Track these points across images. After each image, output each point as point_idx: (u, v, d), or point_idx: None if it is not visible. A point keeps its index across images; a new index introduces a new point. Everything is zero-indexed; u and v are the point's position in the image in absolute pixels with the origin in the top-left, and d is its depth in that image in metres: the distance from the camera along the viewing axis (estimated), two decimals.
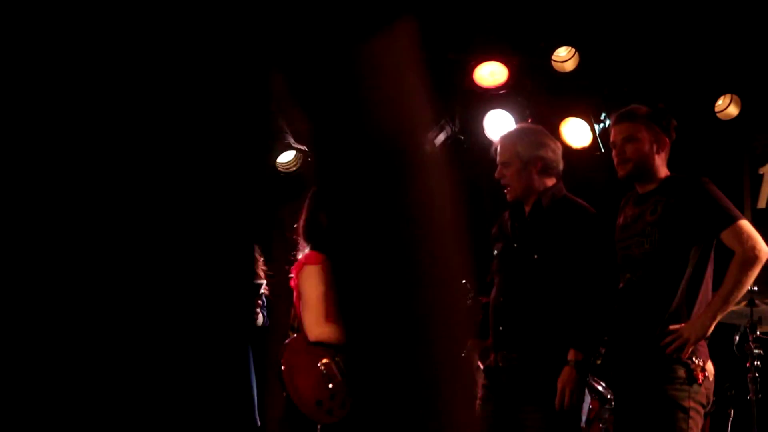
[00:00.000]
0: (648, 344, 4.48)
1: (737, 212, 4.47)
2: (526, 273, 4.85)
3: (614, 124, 4.85)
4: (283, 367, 5.19)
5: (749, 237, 4.36)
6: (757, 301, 6.03)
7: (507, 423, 4.82)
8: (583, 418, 4.97)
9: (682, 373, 4.45)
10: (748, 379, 5.80)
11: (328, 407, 5.07)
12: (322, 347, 5.13)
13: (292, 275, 5.55)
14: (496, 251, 5.10)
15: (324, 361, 5.11)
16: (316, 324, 5.20)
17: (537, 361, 4.78)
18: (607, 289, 4.75)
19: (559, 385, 4.68)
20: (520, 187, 5.01)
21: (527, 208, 5.04)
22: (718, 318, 4.46)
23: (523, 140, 5.08)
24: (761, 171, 7.91)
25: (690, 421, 4.40)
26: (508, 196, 5.08)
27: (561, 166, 5.13)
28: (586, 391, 4.97)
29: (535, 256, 4.80)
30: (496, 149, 5.13)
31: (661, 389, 4.44)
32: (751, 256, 4.34)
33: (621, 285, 4.66)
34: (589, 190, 8.06)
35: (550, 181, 5.04)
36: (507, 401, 4.82)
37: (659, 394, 4.43)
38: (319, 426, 5.64)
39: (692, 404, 4.42)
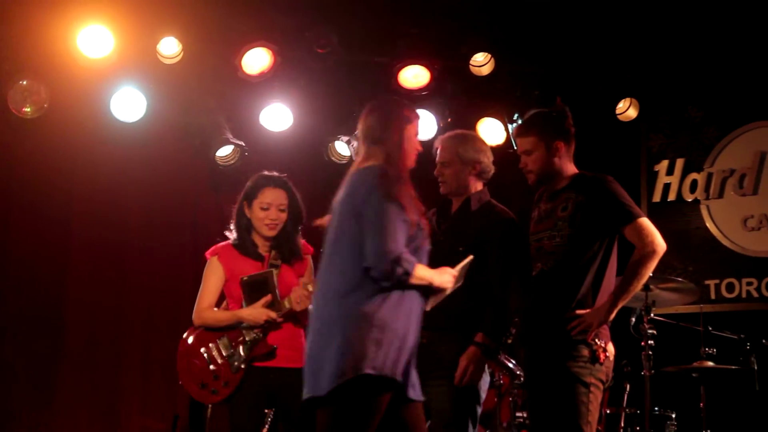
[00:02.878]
0: (556, 327, 4.60)
1: (638, 210, 4.59)
2: (448, 263, 4.85)
3: (514, 137, 5.02)
4: (177, 357, 5.28)
5: (648, 233, 4.48)
6: (651, 286, 6.23)
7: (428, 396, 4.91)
8: (483, 394, 5.12)
9: (585, 352, 4.57)
10: (643, 357, 6.03)
11: (211, 388, 5.12)
12: (208, 331, 5.18)
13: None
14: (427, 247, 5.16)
15: (209, 344, 5.15)
16: (197, 310, 5.25)
17: (445, 341, 4.99)
18: (518, 286, 4.95)
19: (463, 362, 4.94)
20: (455, 185, 5.21)
21: (455, 206, 5.24)
22: (620, 305, 4.60)
23: (461, 141, 5.26)
24: (656, 168, 8.10)
25: (590, 395, 4.53)
26: (442, 189, 5.22)
27: (491, 173, 5.34)
28: (486, 369, 5.12)
29: (461, 249, 4.89)
30: (436, 149, 5.25)
31: (565, 367, 4.55)
32: (649, 251, 4.48)
33: (534, 273, 4.78)
34: (502, 184, 8.33)
35: (480, 185, 5.27)
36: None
37: (564, 371, 4.54)
38: (209, 407, 5.85)
39: (593, 380, 4.56)
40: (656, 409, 6.47)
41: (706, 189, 7.85)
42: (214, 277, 5.26)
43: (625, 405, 6.76)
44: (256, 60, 6.87)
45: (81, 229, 7.20)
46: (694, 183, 7.91)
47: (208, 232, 7.36)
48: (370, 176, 4.15)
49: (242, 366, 5.08)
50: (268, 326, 5.10)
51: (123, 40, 6.64)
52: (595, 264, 4.70)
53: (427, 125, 7.38)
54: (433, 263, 4.83)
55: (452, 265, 4.70)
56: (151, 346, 7.29)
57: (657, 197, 8.02)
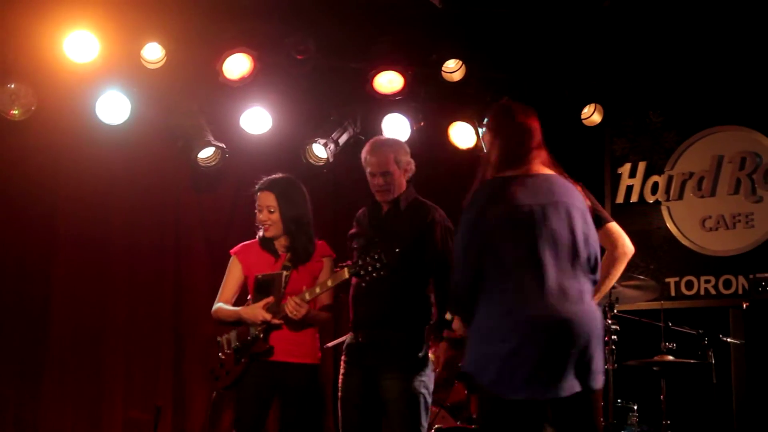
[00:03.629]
0: None
1: (607, 215, 4.58)
2: (390, 258, 5.04)
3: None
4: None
5: (619, 236, 4.46)
6: (615, 284, 5.89)
7: (371, 389, 5.20)
8: (431, 385, 5.27)
9: None
10: (607, 352, 6.12)
11: (216, 374, 5.34)
12: (222, 323, 5.38)
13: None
14: (356, 245, 5.36)
15: (224, 335, 5.35)
16: (215, 304, 5.42)
17: (395, 337, 5.18)
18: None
19: (440, 356, 5.21)
20: (396, 191, 5.36)
21: (386, 207, 5.38)
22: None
23: (396, 149, 5.40)
24: (619, 171, 8.14)
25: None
26: (381, 197, 5.33)
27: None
28: (430, 360, 5.28)
29: (397, 250, 5.02)
30: (367, 160, 5.33)
31: None
32: (620, 254, 4.48)
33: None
34: (471, 185, 8.37)
35: (406, 185, 5.42)
36: (370, 371, 5.20)
37: None
38: (214, 393, 5.97)
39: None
40: (619, 401, 6.61)
41: (667, 191, 7.89)
42: (231, 274, 5.46)
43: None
44: (237, 65, 6.89)
45: (66, 228, 7.20)
46: (656, 185, 7.95)
47: (190, 231, 7.57)
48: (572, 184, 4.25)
49: (242, 360, 5.24)
50: (269, 326, 5.23)
51: (108, 45, 6.65)
52: None
53: (400, 128, 7.52)
54: None
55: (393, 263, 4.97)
56: (133, 340, 7.31)
57: (620, 199, 8.06)
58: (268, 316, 5.19)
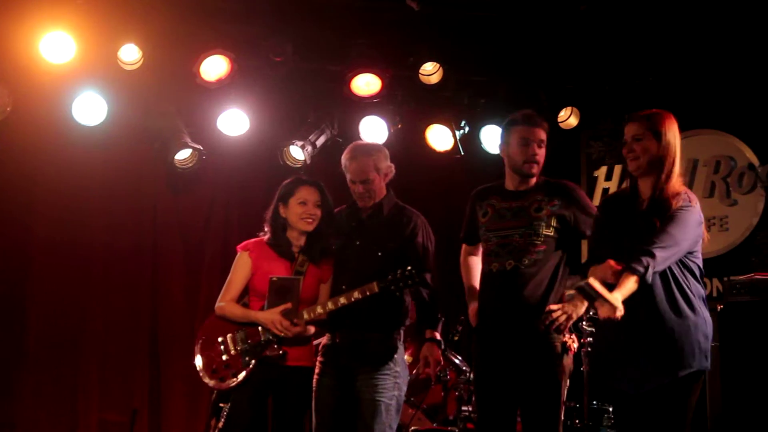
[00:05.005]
0: (534, 320, 4.77)
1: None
2: (369, 266, 5.16)
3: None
4: (196, 337, 5.35)
5: None
6: None
7: (345, 390, 5.21)
8: (404, 387, 5.32)
9: (559, 344, 4.84)
10: (582, 354, 6.10)
11: (221, 375, 5.18)
12: (228, 322, 5.24)
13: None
14: (333, 246, 5.33)
15: (228, 334, 5.22)
16: (221, 300, 5.30)
17: (373, 338, 5.21)
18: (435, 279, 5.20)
19: (427, 357, 5.26)
20: (376, 197, 5.37)
21: (367, 211, 5.37)
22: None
23: (376, 155, 5.39)
24: (596, 174, 8.15)
25: (564, 383, 4.88)
26: (363, 203, 5.34)
27: None
28: (404, 361, 5.32)
29: (379, 254, 5.13)
30: (348, 166, 5.34)
31: (549, 356, 4.82)
32: None
33: (497, 267, 4.89)
34: (450, 187, 8.19)
35: (386, 189, 5.43)
36: (345, 371, 5.21)
37: (548, 361, 4.81)
38: (214, 392, 5.90)
39: (567, 370, 4.89)
40: (594, 402, 6.50)
41: None
42: (241, 272, 5.32)
43: (564, 399, 6.82)
44: (214, 67, 6.86)
45: (42, 229, 7.18)
46: None
47: (167, 232, 7.55)
48: None
49: (252, 362, 5.16)
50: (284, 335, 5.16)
51: (85, 46, 6.61)
52: (562, 263, 4.92)
53: (378, 130, 7.52)
54: (353, 267, 5.21)
55: (369, 267, 5.06)
56: (110, 343, 7.29)
57: (596, 201, 7.73)
58: (286, 323, 5.10)
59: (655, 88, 7.67)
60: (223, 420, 6.21)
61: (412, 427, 6.41)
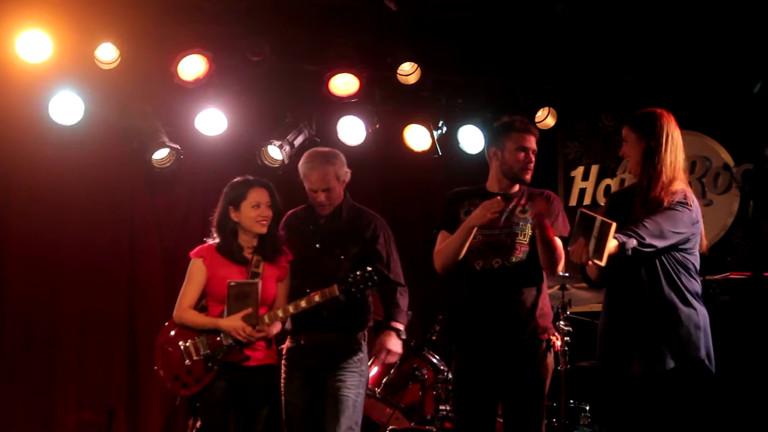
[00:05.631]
0: (523, 320, 4.86)
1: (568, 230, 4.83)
2: (332, 270, 5.26)
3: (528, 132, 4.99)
4: (156, 345, 5.34)
5: None
6: (567, 285, 6.41)
7: (312, 390, 5.32)
8: (365, 386, 5.48)
9: (544, 342, 4.94)
10: (559, 353, 6.12)
11: (183, 381, 5.17)
12: (187, 329, 5.21)
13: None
14: (284, 244, 5.35)
15: (188, 341, 5.19)
16: (179, 308, 5.27)
17: (337, 338, 5.34)
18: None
19: (385, 345, 5.39)
20: (336, 203, 5.44)
21: (325, 215, 5.44)
22: None
23: (336, 163, 5.45)
24: (572, 174, 8.20)
25: (548, 375, 4.97)
26: (324, 210, 5.41)
27: None
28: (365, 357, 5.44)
29: (342, 257, 5.25)
30: (307, 176, 5.39)
31: (536, 354, 4.89)
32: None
33: (481, 265, 4.89)
34: (428, 187, 8.19)
35: (343, 193, 5.49)
36: (311, 371, 5.33)
37: (534, 359, 4.88)
38: (177, 398, 5.86)
39: (551, 368, 4.99)
40: (571, 401, 6.56)
41: None
42: (196, 279, 5.26)
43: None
44: (192, 67, 6.80)
45: (19, 229, 7.14)
46: (608, 188, 7.97)
47: (144, 231, 7.52)
48: None
49: (215, 368, 5.14)
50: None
51: (61, 45, 6.56)
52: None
53: (356, 131, 7.50)
54: (316, 271, 5.28)
55: (332, 269, 5.18)
56: (86, 342, 7.25)
57: (573, 201, 8.06)
58: (249, 330, 5.08)
59: (631, 89, 7.69)
60: (200, 420, 6.12)
61: (390, 427, 6.39)
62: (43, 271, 7.22)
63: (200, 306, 5.30)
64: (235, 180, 5.35)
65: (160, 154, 7.11)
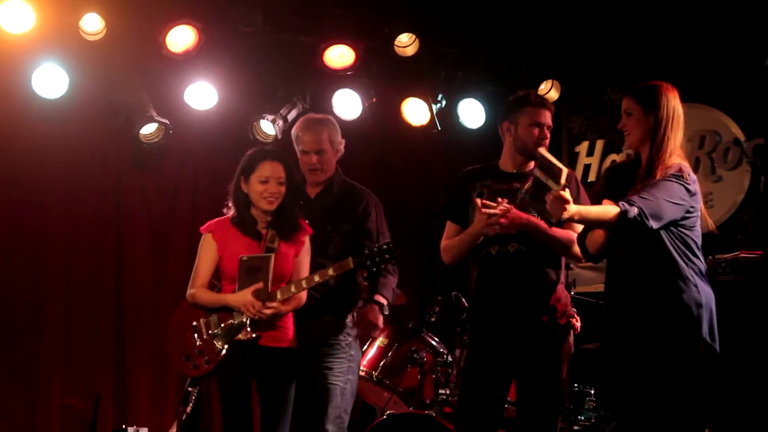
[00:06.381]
0: (541, 303, 4.84)
1: None
2: (322, 245, 5.25)
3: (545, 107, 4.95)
4: (169, 325, 5.25)
5: None
6: (572, 265, 6.18)
7: (303, 373, 5.22)
8: (357, 371, 5.53)
9: (562, 328, 4.94)
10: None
11: (194, 362, 5.06)
12: (199, 308, 5.09)
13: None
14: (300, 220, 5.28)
15: (200, 320, 5.07)
16: (190, 286, 5.14)
17: (327, 321, 5.35)
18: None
19: (365, 316, 5.39)
20: (330, 171, 5.40)
21: (315, 190, 5.42)
22: None
23: (330, 127, 5.45)
24: (577, 149, 8.17)
25: (566, 359, 4.97)
26: (317, 177, 5.37)
27: None
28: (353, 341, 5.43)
29: (333, 234, 5.23)
30: (300, 137, 5.38)
31: (556, 337, 4.89)
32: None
33: (496, 250, 4.85)
34: (426, 163, 8.27)
35: (335, 166, 5.46)
36: (301, 355, 5.20)
37: (555, 342, 4.88)
38: (188, 379, 5.75)
39: (571, 350, 5.02)
40: (576, 385, 6.53)
41: None
42: (207, 255, 5.12)
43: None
44: (181, 38, 6.73)
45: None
46: (614, 164, 7.72)
47: (132, 210, 7.48)
48: None
49: (225, 347, 5.00)
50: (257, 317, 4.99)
51: (44, 15, 6.46)
52: None
53: (351, 104, 7.43)
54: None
55: (325, 248, 5.17)
56: (72, 324, 7.18)
57: (579, 180, 8.03)
58: (258, 306, 4.92)
59: (638, 61, 7.64)
60: (191, 405, 6.18)
61: (388, 411, 6.32)
62: (26, 250, 7.11)
63: (218, 289, 5.18)
64: (252, 150, 5.22)
65: (148, 129, 7.01)
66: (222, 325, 5.02)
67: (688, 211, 4.35)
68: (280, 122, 7.21)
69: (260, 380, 5.10)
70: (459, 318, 6.26)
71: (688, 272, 4.35)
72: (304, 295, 5.08)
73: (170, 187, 7.56)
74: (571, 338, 4.98)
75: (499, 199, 4.69)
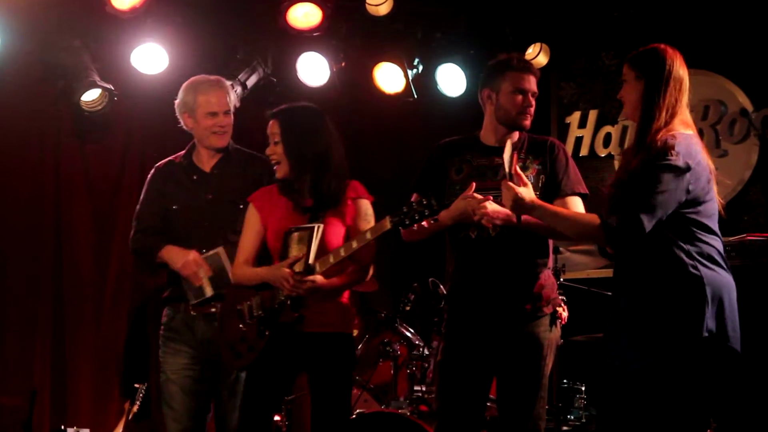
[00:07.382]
0: (525, 290, 4.65)
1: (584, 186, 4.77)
2: (229, 220, 5.09)
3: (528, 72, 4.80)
4: (218, 316, 4.98)
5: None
6: (561, 248, 6.18)
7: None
8: None
9: (548, 318, 4.70)
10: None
11: (237, 350, 4.73)
12: (244, 288, 4.79)
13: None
14: (175, 207, 5.21)
15: (245, 302, 4.75)
16: (234, 265, 4.89)
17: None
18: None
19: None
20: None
21: (213, 161, 5.26)
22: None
23: (228, 88, 5.33)
24: (567, 120, 8.03)
25: (551, 350, 4.75)
26: (219, 142, 5.21)
27: None
28: None
29: (241, 206, 4.97)
30: (205, 99, 5.21)
31: (535, 329, 4.66)
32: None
33: (476, 233, 4.65)
34: (401, 134, 8.20)
35: None
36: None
37: (534, 334, 4.65)
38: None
39: (555, 342, 4.77)
40: (565, 381, 6.49)
41: (621, 143, 7.70)
42: (250, 227, 4.88)
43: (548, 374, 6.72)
44: None
45: None
46: (608, 137, 7.82)
47: (72, 184, 7.28)
48: None
49: (267, 332, 4.62)
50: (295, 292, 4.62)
51: None
52: None
53: (318, 70, 7.32)
54: (206, 226, 5.14)
55: (233, 223, 5.02)
56: (5, 311, 6.90)
57: (569, 152, 7.91)
58: (287, 274, 4.52)
59: (636, 23, 7.57)
60: (138, 403, 6.13)
61: (358, 410, 6.19)
62: None
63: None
64: None
65: (91, 96, 6.84)
66: (264, 306, 4.68)
67: (687, 191, 4.02)
68: (239, 89, 7.03)
69: (310, 375, 4.70)
70: (436, 307, 6.16)
71: (690, 259, 4.03)
72: (361, 270, 4.73)
73: (116, 159, 7.34)
74: (558, 329, 4.80)
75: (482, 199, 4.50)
